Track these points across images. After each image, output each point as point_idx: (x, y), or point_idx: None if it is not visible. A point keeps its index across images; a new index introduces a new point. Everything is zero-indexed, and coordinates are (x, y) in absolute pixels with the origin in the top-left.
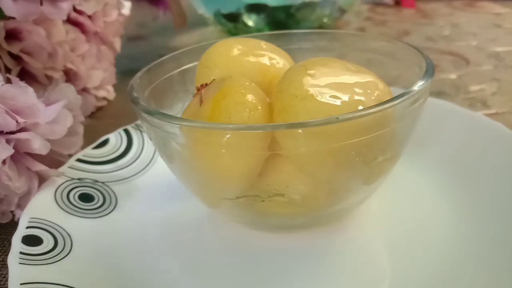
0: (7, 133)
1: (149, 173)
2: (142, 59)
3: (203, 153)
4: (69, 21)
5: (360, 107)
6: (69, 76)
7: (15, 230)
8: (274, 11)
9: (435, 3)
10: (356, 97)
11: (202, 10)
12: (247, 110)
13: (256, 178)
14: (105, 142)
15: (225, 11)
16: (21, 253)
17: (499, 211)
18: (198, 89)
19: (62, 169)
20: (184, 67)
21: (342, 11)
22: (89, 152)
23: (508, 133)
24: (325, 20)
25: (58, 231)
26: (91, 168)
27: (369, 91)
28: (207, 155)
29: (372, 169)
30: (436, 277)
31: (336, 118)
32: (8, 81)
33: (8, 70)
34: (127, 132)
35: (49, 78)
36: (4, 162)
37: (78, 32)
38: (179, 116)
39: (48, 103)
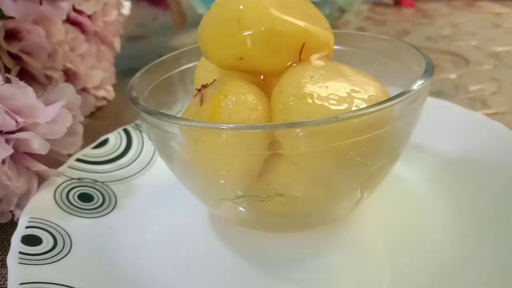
0: (7, 132)
1: (148, 173)
2: (141, 59)
3: (203, 153)
4: (69, 20)
5: (359, 107)
6: (69, 76)
7: (14, 230)
8: None
9: (435, 3)
10: (355, 97)
11: (202, 10)
12: (247, 110)
13: (256, 178)
14: (104, 142)
15: None
16: (20, 253)
17: (499, 210)
18: (199, 90)
19: (62, 169)
20: (183, 67)
21: (342, 11)
22: (89, 151)
23: (508, 133)
24: None
25: (58, 231)
26: (90, 168)
27: (367, 91)
28: (207, 155)
29: (371, 169)
30: (436, 277)
31: (336, 117)
32: (8, 81)
33: (7, 70)
34: (126, 131)
35: (49, 78)
36: (3, 162)
37: (78, 32)
38: (178, 116)
39: (47, 103)
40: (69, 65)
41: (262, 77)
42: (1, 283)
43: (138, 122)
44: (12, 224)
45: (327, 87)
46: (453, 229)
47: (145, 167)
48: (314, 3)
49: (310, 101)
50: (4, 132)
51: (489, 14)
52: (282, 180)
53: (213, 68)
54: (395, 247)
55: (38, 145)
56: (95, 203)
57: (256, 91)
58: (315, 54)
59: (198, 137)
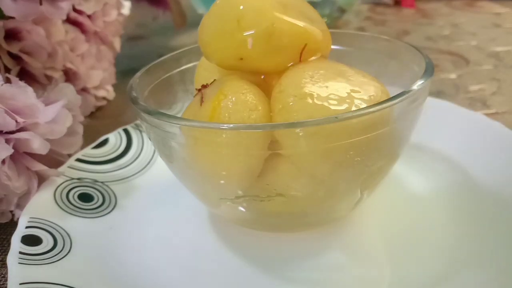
0: (7, 132)
1: (148, 173)
2: (141, 59)
3: (203, 153)
4: (69, 20)
5: (359, 107)
6: (69, 76)
7: (14, 230)
8: None
9: (435, 3)
10: (355, 97)
11: (202, 10)
12: (247, 110)
13: (256, 178)
14: (104, 142)
15: None
16: (20, 253)
17: (499, 211)
18: (199, 90)
19: (62, 169)
20: (183, 67)
21: (342, 11)
22: (89, 151)
23: (508, 133)
24: (325, 20)
25: (58, 231)
26: (90, 168)
27: (367, 91)
28: (207, 155)
29: (371, 169)
30: (436, 277)
31: (336, 117)
32: (8, 80)
33: (7, 70)
34: (126, 131)
35: (49, 78)
36: (3, 162)
37: (78, 32)
38: (178, 116)
39: (47, 103)
40: (69, 65)
41: (262, 77)
42: (1, 283)
43: (138, 122)
44: (12, 224)
45: (327, 87)
46: (453, 229)
47: (145, 167)
48: (314, 3)
49: (310, 101)
50: (4, 132)
51: (489, 14)
52: (282, 180)
53: (213, 68)
54: (395, 247)
55: (38, 145)
56: (95, 203)
57: (256, 91)
58: (314, 55)
59: (198, 137)
